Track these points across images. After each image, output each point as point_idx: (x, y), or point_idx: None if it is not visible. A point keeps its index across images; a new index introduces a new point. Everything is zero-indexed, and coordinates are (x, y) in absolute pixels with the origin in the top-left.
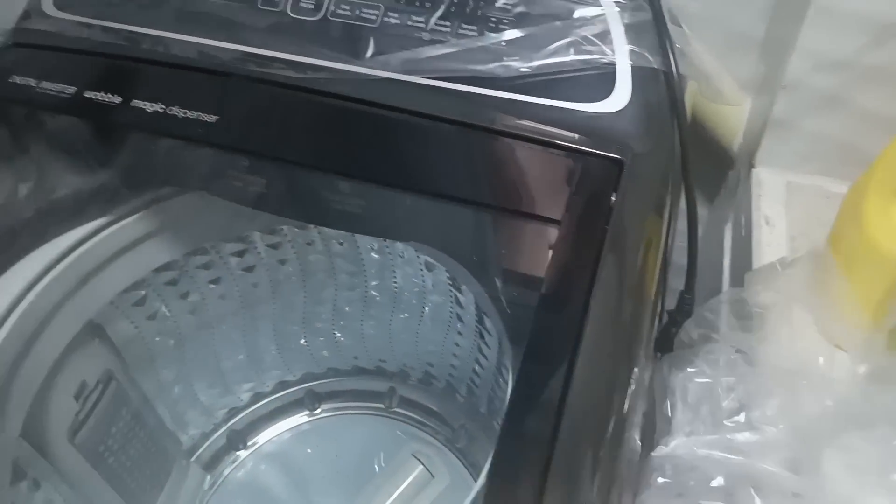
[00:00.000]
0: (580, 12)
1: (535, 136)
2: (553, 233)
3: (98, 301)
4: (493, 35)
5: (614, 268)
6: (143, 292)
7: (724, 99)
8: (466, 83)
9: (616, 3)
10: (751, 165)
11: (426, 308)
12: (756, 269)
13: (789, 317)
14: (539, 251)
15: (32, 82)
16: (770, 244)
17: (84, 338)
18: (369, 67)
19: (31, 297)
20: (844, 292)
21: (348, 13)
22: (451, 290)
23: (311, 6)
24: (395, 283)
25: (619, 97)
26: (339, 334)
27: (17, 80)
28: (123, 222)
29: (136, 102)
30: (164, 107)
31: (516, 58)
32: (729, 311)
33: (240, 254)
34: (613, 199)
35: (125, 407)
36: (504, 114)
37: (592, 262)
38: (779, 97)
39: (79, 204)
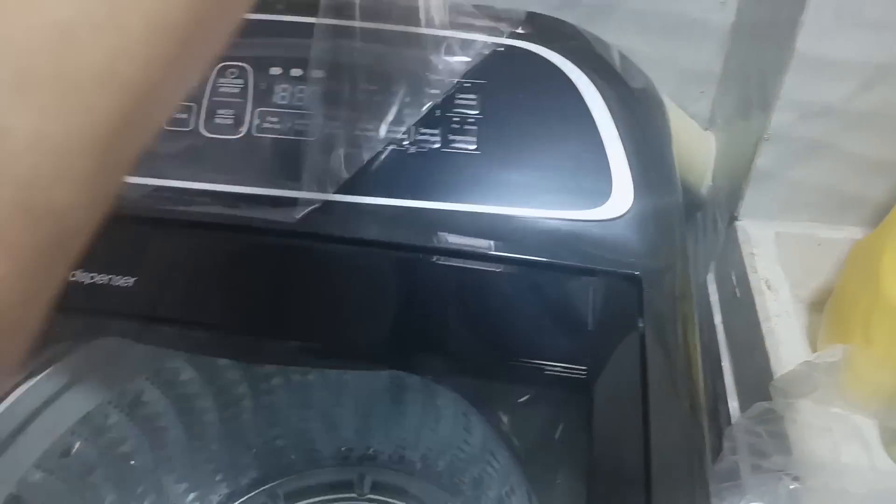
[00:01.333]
0: None
1: (525, 258)
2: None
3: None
4: (457, 138)
5: (666, 417)
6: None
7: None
8: (415, 196)
9: (594, 84)
10: (733, 218)
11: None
12: (780, 377)
13: (829, 424)
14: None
15: None
16: (779, 314)
17: None
18: (313, 191)
19: None
20: (868, 360)
21: (277, 126)
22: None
23: (230, 121)
24: None
25: (620, 199)
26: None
27: None
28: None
29: None
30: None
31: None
32: (764, 430)
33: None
34: (641, 325)
35: None
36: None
37: (641, 415)
38: (762, 149)
39: None
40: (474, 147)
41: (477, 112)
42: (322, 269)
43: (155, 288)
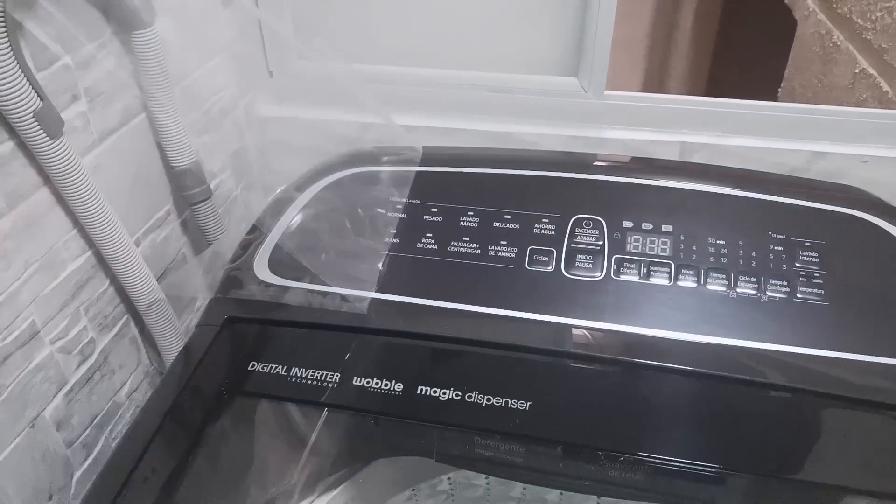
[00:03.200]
0: None
1: None
2: None
3: None
4: (806, 290)
5: None
6: None
7: None
8: (779, 342)
9: None
10: None
11: None
12: None
13: None
14: None
15: (281, 370)
16: None
17: None
18: (675, 332)
19: None
20: None
21: (633, 271)
22: None
23: (589, 266)
24: None
25: None
26: None
27: (259, 367)
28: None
29: (425, 390)
30: (459, 394)
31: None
32: None
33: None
34: None
35: None
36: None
37: None
38: None
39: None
40: (822, 298)
41: (820, 267)
42: (696, 403)
43: (545, 411)
